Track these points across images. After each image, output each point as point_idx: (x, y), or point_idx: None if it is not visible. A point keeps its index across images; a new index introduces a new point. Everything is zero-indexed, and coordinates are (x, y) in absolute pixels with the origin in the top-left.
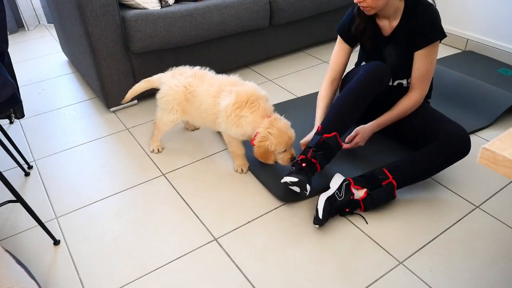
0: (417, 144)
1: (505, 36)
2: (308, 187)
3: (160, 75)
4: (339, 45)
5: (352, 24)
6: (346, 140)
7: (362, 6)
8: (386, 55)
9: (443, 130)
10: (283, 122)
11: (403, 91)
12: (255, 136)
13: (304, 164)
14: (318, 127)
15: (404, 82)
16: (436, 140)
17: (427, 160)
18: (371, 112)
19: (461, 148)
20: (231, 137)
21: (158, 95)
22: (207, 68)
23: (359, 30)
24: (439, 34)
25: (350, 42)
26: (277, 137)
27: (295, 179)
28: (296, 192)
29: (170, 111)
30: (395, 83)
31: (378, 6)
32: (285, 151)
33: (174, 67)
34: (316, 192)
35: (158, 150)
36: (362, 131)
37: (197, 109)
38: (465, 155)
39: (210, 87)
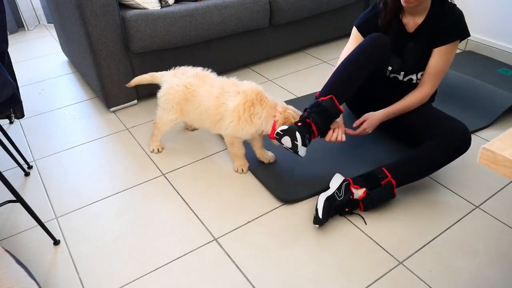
0: (418, 142)
1: (505, 36)
2: (298, 138)
3: (163, 72)
4: (355, 40)
5: (373, 21)
6: (354, 125)
7: (409, 2)
8: (406, 51)
9: (443, 127)
10: (287, 105)
11: (412, 86)
12: (273, 125)
13: (299, 124)
14: (316, 94)
15: (414, 77)
16: (436, 136)
17: (427, 157)
18: (378, 106)
19: (462, 143)
20: (235, 137)
21: (159, 94)
22: (209, 70)
23: (385, 23)
24: (464, 33)
25: None
26: (295, 114)
27: (285, 127)
28: (289, 148)
29: (170, 110)
30: (406, 78)
31: (424, 0)
32: None
33: (177, 67)
34: (316, 192)
35: (158, 150)
36: (370, 117)
37: (196, 109)
38: (465, 151)
39: (212, 88)
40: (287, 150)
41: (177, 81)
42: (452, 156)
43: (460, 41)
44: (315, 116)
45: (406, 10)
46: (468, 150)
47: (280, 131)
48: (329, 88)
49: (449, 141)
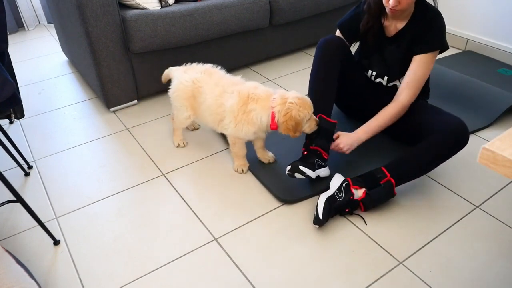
0: (415, 139)
1: (505, 36)
2: (304, 169)
3: (175, 68)
4: None
5: (355, 21)
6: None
7: (394, 9)
8: (386, 55)
9: (440, 122)
10: (294, 92)
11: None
12: (272, 119)
13: (305, 152)
14: None
15: (398, 83)
16: (433, 132)
17: (425, 153)
18: (363, 114)
19: (459, 137)
20: (237, 138)
21: (170, 91)
22: (219, 67)
23: (367, 27)
24: (440, 45)
25: (350, 38)
26: (300, 104)
27: (288, 167)
28: (303, 178)
29: (181, 108)
30: (389, 85)
31: (409, 8)
32: (308, 119)
33: (188, 63)
34: (316, 192)
35: (183, 144)
36: (345, 137)
37: (200, 105)
38: (463, 146)
39: (215, 87)
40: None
41: (186, 77)
42: (451, 151)
43: (440, 53)
44: (316, 140)
45: (389, 15)
46: (468, 150)
47: (288, 171)
48: (314, 109)
49: (447, 136)
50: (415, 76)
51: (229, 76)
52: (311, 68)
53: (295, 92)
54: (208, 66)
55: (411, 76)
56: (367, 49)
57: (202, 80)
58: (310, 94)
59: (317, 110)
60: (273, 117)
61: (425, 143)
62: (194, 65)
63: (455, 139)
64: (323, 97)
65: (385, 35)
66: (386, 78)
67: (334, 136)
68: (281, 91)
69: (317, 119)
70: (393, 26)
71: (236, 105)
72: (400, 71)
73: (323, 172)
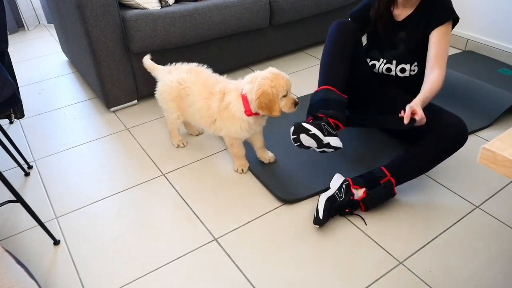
0: (415, 138)
1: (505, 36)
2: (309, 126)
3: (161, 67)
4: None
5: (366, 11)
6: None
7: None
8: (396, 40)
9: (439, 121)
10: (269, 68)
11: (406, 79)
12: (244, 104)
13: (309, 119)
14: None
15: (407, 67)
16: (432, 130)
17: (425, 152)
18: (371, 101)
19: (458, 135)
20: (233, 138)
21: (156, 94)
22: (205, 66)
23: (378, 15)
24: (452, 14)
25: (360, 28)
26: (273, 78)
27: (292, 128)
28: (311, 142)
29: (168, 109)
30: (398, 68)
31: None
32: (285, 96)
33: (173, 63)
34: (316, 192)
35: (182, 144)
36: (416, 107)
37: (189, 107)
38: (463, 143)
39: (203, 88)
40: (321, 150)
41: (171, 77)
42: (450, 150)
43: (453, 26)
44: (324, 111)
45: (399, 2)
46: (468, 150)
47: (292, 135)
48: (322, 81)
49: (446, 135)
50: (438, 50)
51: (215, 76)
52: (324, 46)
53: (271, 68)
54: (193, 65)
55: (434, 52)
56: (377, 37)
57: (188, 80)
58: (322, 68)
59: (328, 83)
60: (245, 102)
61: (424, 142)
62: (179, 65)
63: (454, 138)
64: (334, 71)
65: (394, 20)
66: (394, 62)
67: (410, 110)
68: (250, 74)
69: (295, 98)
70: (402, 12)
71: (218, 105)
72: (408, 54)
73: (334, 140)
